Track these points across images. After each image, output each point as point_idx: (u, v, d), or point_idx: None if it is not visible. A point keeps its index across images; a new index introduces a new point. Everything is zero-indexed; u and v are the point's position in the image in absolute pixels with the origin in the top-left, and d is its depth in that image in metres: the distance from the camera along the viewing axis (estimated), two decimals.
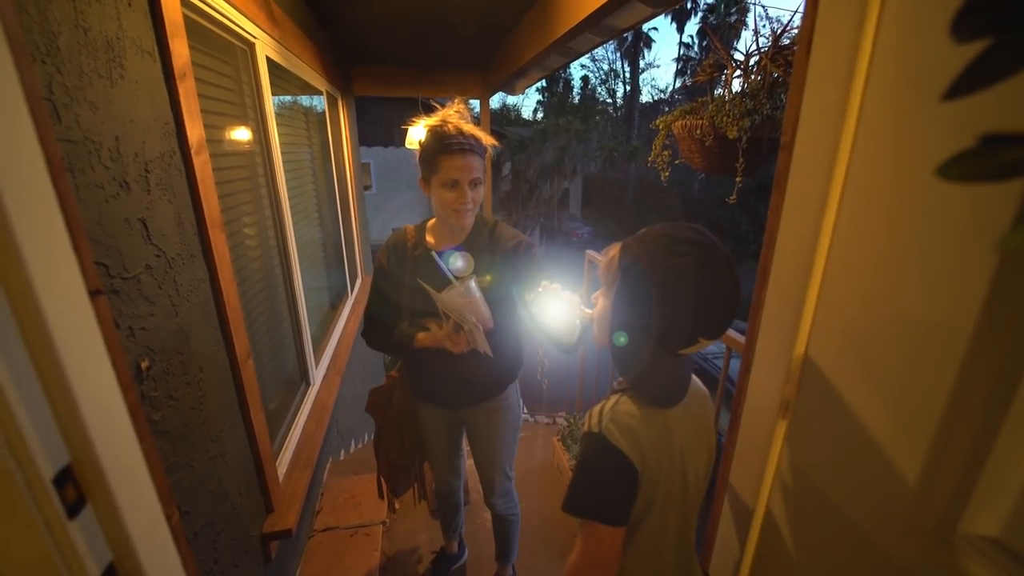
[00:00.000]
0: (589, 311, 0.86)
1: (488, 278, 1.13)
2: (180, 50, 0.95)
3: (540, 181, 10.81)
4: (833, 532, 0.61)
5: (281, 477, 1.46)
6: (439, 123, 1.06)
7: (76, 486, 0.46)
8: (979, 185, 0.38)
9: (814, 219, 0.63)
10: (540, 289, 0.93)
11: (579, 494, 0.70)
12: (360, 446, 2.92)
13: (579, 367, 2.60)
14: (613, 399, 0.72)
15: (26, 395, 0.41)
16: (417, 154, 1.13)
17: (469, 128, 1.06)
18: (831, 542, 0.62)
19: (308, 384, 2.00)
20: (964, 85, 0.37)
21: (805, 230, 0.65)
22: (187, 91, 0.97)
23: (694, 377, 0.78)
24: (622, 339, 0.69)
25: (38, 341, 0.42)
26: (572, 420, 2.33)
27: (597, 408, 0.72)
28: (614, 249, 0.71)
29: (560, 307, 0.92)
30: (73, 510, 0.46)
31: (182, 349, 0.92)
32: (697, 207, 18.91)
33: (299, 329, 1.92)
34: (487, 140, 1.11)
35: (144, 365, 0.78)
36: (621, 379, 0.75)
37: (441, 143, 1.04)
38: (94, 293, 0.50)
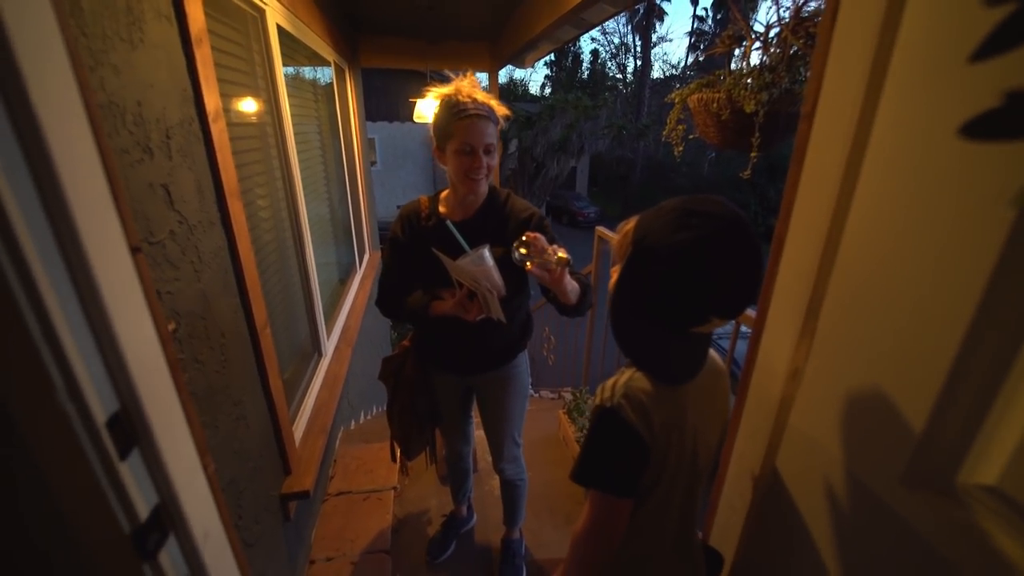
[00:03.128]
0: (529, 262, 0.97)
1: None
2: (196, 15, 0.95)
3: (547, 159, 10.61)
4: (837, 488, 0.64)
5: (298, 441, 1.52)
6: (452, 92, 1.08)
7: (125, 431, 0.49)
8: (1005, 145, 0.39)
9: (832, 190, 0.64)
10: (524, 239, 0.99)
11: (588, 465, 0.70)
12: (370, 417, 3.00)
13: (586, 343, 2.63)
14: (628, 373, 0.69)
15: (80, 344, 0.44)
16: (431, 127, 1.15)
17: (482, 96, 1.09)
18: (834, 498, 0.65)
19: (320, 355, 2.05)
20: (993, 46, 0.37)
21: (822, 201, 0.66)
22: (204, 57, 0.97)
23: (712, 353, 0.76)
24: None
25: (88, 293, 0.44)
26: (578, 394, 2.37)
27: (611, 381, 0.70)
28: (631, 223, 0.68)
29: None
30: (123, 453, 0.49)
31: (205, 314, 0.95)
32: (707, 188, 18.65)
33: (311, 301, 1.95)
34: (500, 109, 1.12)
35: (171, 328, 0.81)
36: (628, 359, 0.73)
37: (455, 110, 1.07)
38: (135, 249, 0.52)
